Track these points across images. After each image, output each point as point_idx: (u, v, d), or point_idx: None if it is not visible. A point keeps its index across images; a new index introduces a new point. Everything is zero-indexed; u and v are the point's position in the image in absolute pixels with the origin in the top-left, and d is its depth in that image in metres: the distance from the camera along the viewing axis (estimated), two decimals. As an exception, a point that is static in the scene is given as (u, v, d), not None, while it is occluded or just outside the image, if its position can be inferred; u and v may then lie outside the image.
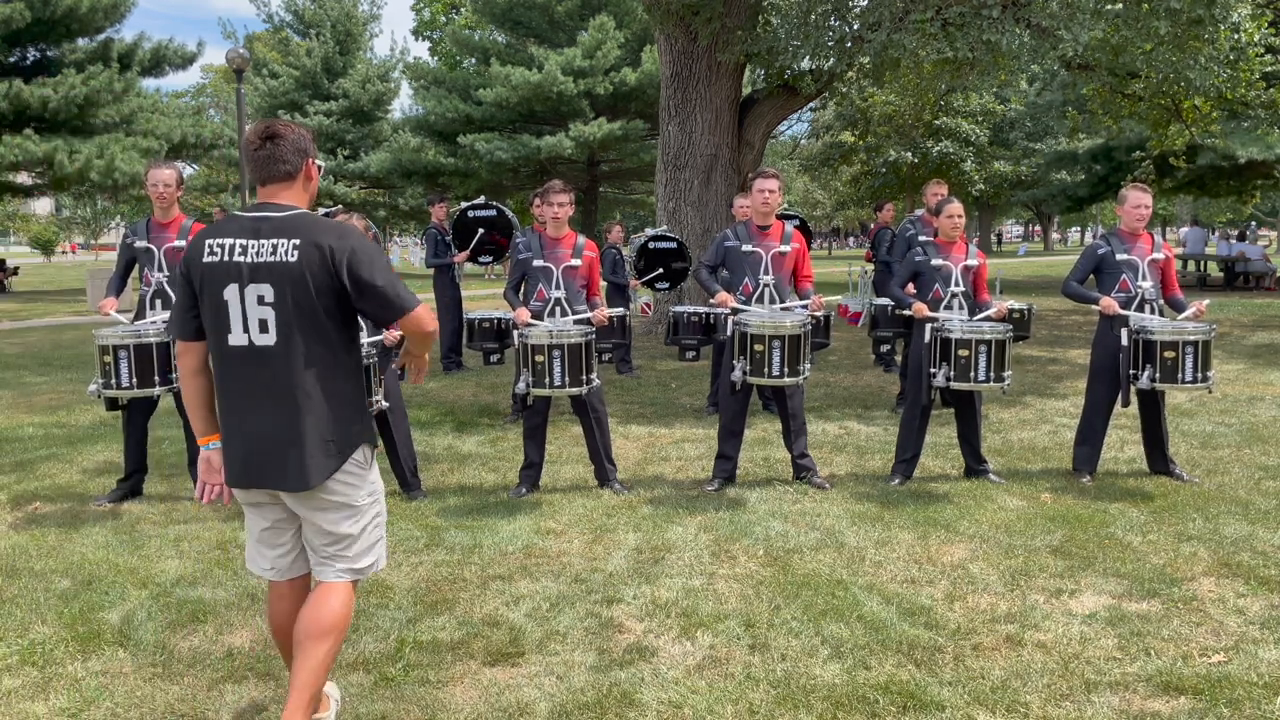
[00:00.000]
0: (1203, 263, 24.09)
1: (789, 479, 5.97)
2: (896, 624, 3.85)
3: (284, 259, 2.69)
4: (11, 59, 24.93)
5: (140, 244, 5.61)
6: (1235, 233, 30.72)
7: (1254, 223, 48.74)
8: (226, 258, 2.72)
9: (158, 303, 5.60)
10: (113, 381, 5.26)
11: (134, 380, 5.27)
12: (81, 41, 25.72)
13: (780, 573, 4.42)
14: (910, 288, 6.16)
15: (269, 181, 2.80)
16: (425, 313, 2.85)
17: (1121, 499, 5.53)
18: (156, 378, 5.32)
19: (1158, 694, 3.30)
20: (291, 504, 2.86)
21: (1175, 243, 39.17)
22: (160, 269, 5.59)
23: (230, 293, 2.72)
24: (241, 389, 2.77)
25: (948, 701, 3.25)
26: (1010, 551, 4.69)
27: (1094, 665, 3.50)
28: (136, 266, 5.74)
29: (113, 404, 5.47)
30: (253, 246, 2.71)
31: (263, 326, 2.72)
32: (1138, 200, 5.81)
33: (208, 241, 2.76)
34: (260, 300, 2.70)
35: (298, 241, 2.70)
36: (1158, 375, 5.59)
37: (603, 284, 7.04)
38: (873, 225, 11.22)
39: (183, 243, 5.60)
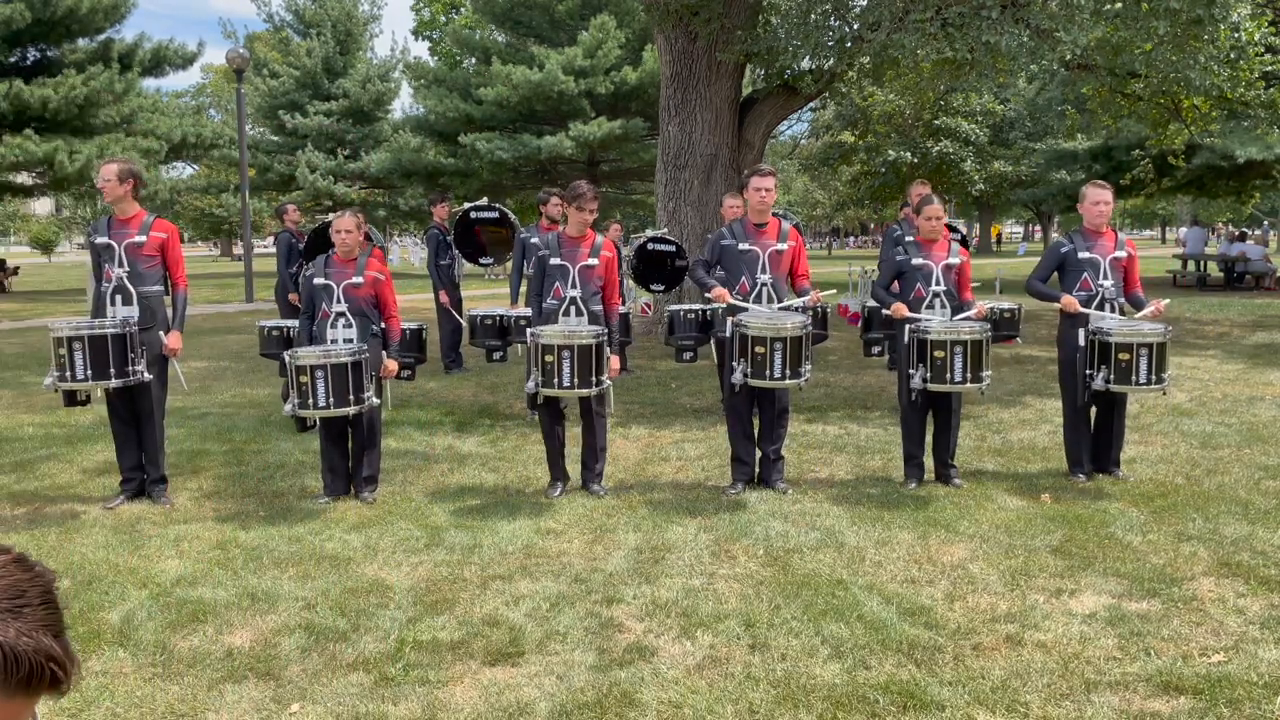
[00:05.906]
0: (1203, 262, 24.06)
1: (790, 479, 5.96)
2: (896, 624, 3.85)
3: None
4: (11, 59, 24.91)
5: (101, 240, 5.50)
6: (1236, 233, 30.63)
7: (1254, 223, 48.65)
8: None
9: (118, 298, 5.46)
10: (67, 374, 5.19)
11: (89, 372, 5.20)
12: (81, 42, 25.71)
13: (780, 573, 4.42)
14: (894, 286, 6.16)
15: None
16: None
17: (1121, 499, 5.53)
18: (112, 370, 5.25)
19: (1158, 694, 3.30)
20: None
21: (1176, 242, 39.14)
22: (121, 264, 5.45)
23: None
24: None
25: (948, 701, 3.25)
26: (1010, 551, 4.69)
27: (1094, 665, 3.50)
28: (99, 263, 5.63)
29: (71, 398, 5.43)
30: None
31: None
32: (1096, 197, 5.79)
33: None
34: None
35: None
36: (1112, 377, 5.57)
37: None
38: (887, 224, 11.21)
39: (144, 238, 5.48)
